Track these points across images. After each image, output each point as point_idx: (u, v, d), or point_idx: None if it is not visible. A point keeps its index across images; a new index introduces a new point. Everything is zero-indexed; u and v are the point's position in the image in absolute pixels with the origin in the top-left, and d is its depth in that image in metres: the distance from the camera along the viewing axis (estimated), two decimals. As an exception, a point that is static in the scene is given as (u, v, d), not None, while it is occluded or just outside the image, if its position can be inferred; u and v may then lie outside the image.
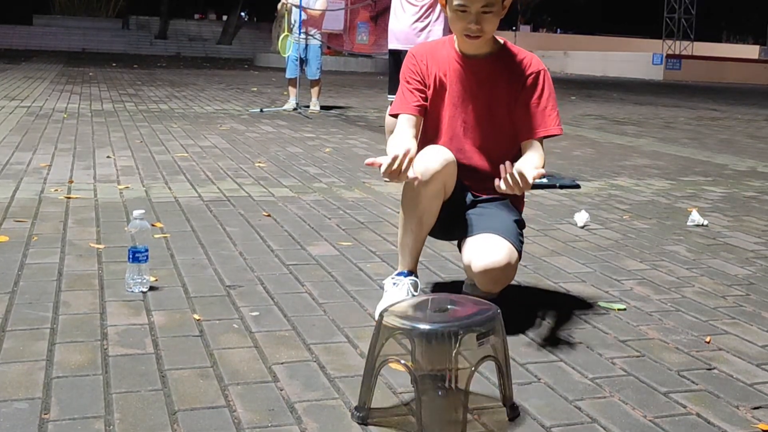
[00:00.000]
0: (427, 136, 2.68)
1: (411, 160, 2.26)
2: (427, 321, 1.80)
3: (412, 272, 2.66)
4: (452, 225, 2.65)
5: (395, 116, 2.67)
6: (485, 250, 2.46)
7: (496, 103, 2.62)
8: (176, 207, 4.13)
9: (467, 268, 2.54)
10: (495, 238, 2.48)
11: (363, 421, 1.88)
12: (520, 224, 2.66)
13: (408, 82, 2.69)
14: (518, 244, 2.55)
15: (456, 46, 2.65)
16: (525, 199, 2.84)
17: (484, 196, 2.66)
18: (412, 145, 2.48)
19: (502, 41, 2.66)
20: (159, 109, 9.35)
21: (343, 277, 3.04)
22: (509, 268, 2.47)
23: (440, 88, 2.66)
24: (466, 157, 2.66)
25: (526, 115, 2.60)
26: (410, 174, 2.28)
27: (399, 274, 2.66)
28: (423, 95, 2.67)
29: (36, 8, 36.25)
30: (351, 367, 2.20)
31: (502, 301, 2.79)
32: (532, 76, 2.60)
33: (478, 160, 2.67)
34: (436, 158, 2.44)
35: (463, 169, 2.62)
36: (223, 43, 34.86)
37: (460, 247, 2.65)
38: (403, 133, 2.59)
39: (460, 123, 2.65)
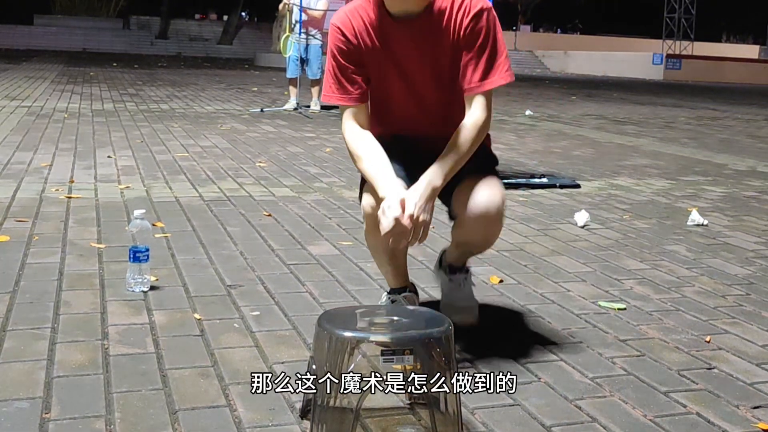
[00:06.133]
0: (375, 109, 2.39)
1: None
2: (335, 322, 1.73)
3: (405, 287, 2.52)
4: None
5: (337, 107, 2.37)
6: (480, 190, 2.28)
7: (441, 62, 2.29)
8: (177, 207, 4.14)
9: (464, 215, 2.32)
10: (485, 177, 2.32)
11: (303, 415, 1.87)
12: (494, 160, 2.48)
13: (340, 67, 2.31)
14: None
15: (386, 6, 2.26)
16: (525, 199, 2.82)
17: None
18: (397, 190, 2.14)
19: None
20: (160, 109, 9.36)
21: (344, 277, 3.05)
22: (502, 207, 2.30)
23: (378, 59, 2.31)
24: (419, 124, 2.39)
25: (469, 65, 2.26)
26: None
27: (392, 292, 2.52)
28: (361, 77, 2.31)
29: (37, 8, 36.28)
30: (351, 367, 2.20)
31: (501, 301, 2.81)
32: (474, 20, 2.23)
33: (432, 125, 2.38)
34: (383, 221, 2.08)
35: (418, 139, 2.38)
36: (223, 43, 34.88)
37: (447, 203, 2.43)
38: (379, 166, 2.21)
39: (405, 90, 2.35)
